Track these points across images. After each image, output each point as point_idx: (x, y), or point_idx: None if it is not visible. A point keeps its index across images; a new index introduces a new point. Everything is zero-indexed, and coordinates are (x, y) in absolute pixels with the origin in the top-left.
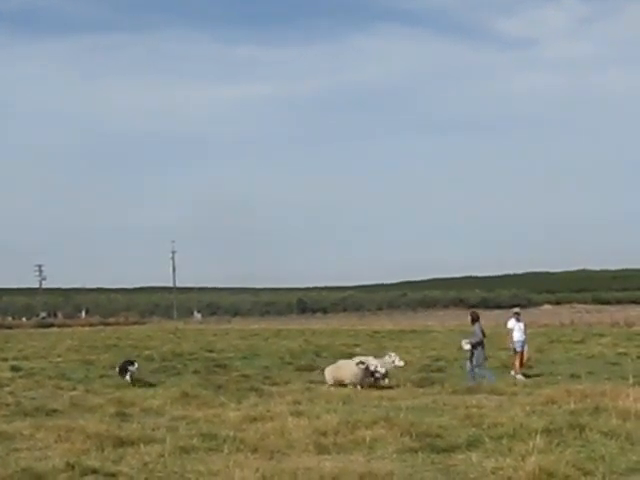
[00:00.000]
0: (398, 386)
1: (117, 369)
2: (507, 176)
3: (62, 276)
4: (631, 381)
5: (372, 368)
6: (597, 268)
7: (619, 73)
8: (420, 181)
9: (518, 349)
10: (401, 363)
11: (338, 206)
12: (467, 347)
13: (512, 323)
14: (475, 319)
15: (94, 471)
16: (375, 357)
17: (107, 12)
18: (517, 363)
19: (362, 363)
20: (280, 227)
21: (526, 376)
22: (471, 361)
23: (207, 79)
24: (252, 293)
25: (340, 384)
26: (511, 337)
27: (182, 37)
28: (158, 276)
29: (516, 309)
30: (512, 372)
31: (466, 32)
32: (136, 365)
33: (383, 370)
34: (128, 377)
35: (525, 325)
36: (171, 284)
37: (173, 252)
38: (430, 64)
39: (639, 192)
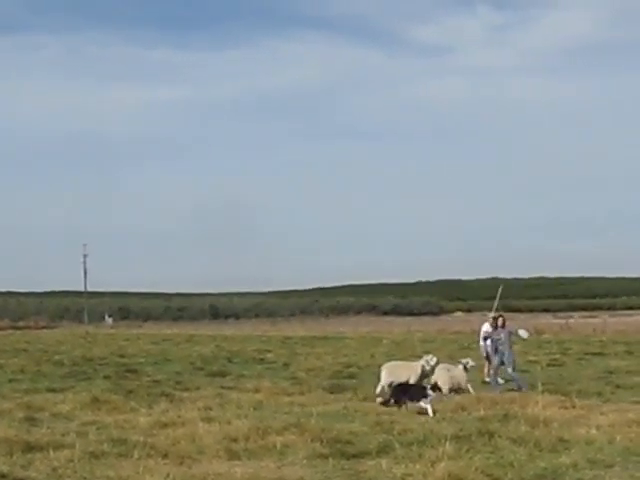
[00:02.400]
0: (309, 392)
1: (379, 389)
2: (420, 183)
3: None
4: (540, 389)
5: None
6: (508, 276)
7: (532, 82)
8: (333, 187)
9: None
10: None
11: (251, 211)
12: (526, 335)
13: (487, 327)
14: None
15: (3, 476)
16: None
17: (23, 12)
18: (487, 368)
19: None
20: (192, 232)
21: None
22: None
23: (123, 81)
24: (164, 298)
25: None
26: (484, 342)
27: (98, 39)
28: (69, 280)
29: (492, 314)
30: (487, 378)
31: (382, 38)
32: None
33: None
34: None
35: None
36: (82, 288)
37: (84, 256)
38: (345, 70)
39: (550, 202)
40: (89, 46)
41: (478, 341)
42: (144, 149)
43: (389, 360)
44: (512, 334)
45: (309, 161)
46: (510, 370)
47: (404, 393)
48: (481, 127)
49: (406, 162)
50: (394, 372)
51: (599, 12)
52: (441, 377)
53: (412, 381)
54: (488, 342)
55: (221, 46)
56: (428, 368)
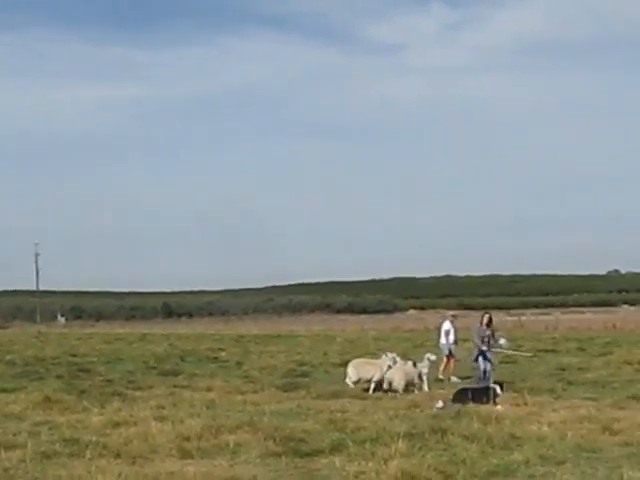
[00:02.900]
0: (262, 390)
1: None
2: (374, 181)
3: None
4: (493, 385)
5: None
6: (461, 274)
7: (486, 80)
8: (287, 185)
9: (447, 352)
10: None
11: (204, 210)
12: (507, 345)
13: (447, 325)
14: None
15: None
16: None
17: None
18: (451, 365)
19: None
20: (145, 231)
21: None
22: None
23: (78, 80)
24: (117, 297)
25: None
26: (446, 340)
27: (53, 37)
28: (21, 279)
29: (451, 312)
30: (441, 375)
31: (336, 37)
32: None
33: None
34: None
35: (457, 329)
36: (34, 287)
37: (36, 255)
38: (300, 68)
39: (503, 200)
40: (41, 43)
41: (438, 339)
42: (95, 147)
43: (346, 358)
44: (495, 337)
45: (262, 159)
46: (489, 367)
47: (468, 396)
48: (436, 125)
49: (360, 160)
50: (361, 369)
51: (550, 10)
52: (397, 374)
53: (376, 378)
54: (450, 339)
55: (175, 44)
56: (392, 366)
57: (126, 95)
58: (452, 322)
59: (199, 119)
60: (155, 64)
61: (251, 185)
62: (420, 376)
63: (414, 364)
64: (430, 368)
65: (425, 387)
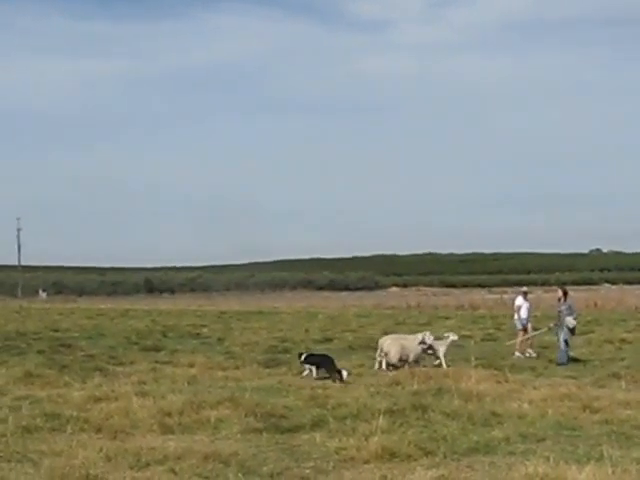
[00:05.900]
0: (244, 366)
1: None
2: (356, 158)
3: None
4: (473, 363)
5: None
6: (444, 252)
7: (470, 58)
8: (270, 163)
9: (520, 327)
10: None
11: (186, 187)
12: (574, 323)
13: (520, 301)
14: (566, 294)
15: None
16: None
17: None
18: (519, 340)
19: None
20: (128, 206)
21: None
22: (566, 338)
23: (57, 54)
24: (98, 272)
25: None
26: (518, 315)
27: (32, 11)
28: (3, 254)
29: (524, 288)
30: (516, 353)
31: (320, 13)
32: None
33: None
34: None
35: (531, 305)
36: (16, 262)
37: (18, 230)
38: (283, 45)
39: (486, 179)
40: (22, 18)
41: (512, 315)
42: (77, 122)
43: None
44: (571, 309)
45: (245, 136)
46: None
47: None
48: (420, 103)
49: (344, 136)
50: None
51: None
52: (393, 347)
53: (412, 356)
54: (522, 314)
55: (156, 19)
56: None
57: (108, 70)
58: (524, 297)
59: (180, 95)
60: (135, 39)
61: (234, 162)
62: (435, 354)
63: (422, 341)
64: (449, 347)
65: (444, 365)
